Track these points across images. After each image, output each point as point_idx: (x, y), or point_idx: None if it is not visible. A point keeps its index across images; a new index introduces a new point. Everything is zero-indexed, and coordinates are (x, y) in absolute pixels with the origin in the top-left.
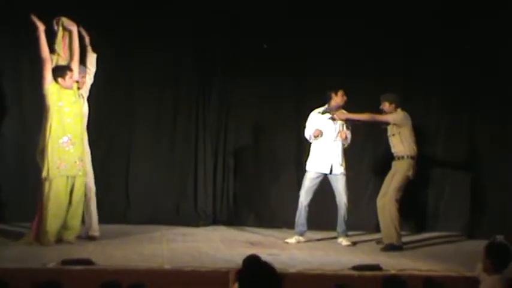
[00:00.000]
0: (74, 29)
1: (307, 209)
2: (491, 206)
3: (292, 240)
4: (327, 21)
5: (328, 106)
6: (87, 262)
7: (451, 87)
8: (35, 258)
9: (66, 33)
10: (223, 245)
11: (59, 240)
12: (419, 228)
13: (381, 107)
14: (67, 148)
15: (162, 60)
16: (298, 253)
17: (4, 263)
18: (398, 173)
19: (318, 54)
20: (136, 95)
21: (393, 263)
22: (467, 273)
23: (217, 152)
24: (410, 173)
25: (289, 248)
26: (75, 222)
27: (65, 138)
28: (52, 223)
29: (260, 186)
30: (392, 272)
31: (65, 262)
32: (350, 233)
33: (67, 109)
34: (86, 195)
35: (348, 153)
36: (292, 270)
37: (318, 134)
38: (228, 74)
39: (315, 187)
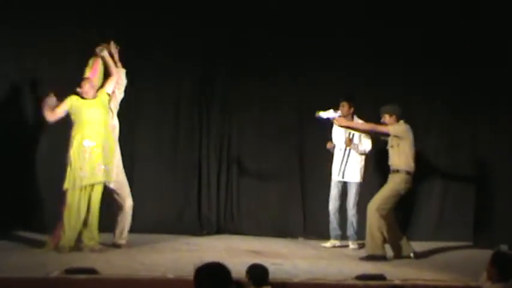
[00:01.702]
0: (106, 53)
1: (336, 215)
2: (496, 215)
3: (328, 244)
4: (330, 23)
5: (332, 110)
6: (91, 271)
7: (453, 96)
8: (38, 267)
9: (99, 58)
10: (227, 254)
11: (79, 248)
12: (424, 237)
13: (382, 119)
14: (87, 155)
15: (164, 66)
16: (302, 262)
17: (7, 271)
18: (388, 184)
19: (321, 55)
20: (137, 101)
21: (397, 273)
22: (472, 283)
23: (221, 160)
24: (401, 187)
25: (293, 258)
26: (95, 229)
27: (85, 144)
28: (69, 233)
29: (264, 194)
30: (397, 282)
31: (69, 271)
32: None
33: (87, 117)
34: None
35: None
36: (296, 279)
37: (331, 147)
38: (231, 80)
39: (338, 194)
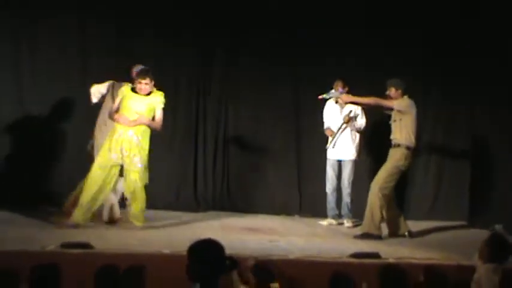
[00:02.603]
0: None
1: (334, 194)
2: (490, 195)
3: (325, 222)
4: (326, 13)
5: (333, 90)
6: (86, 246)
7: (451, 77)
8: (34, 240)
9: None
10: (222, 231)
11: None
12: (419, 217)
13: (387, 92)
14: (120, 141)
15: (162, 52)
16: (298, 240)
17: (3, 245)
18: (388, 162)
19: (317, 45)
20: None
21: (392, 251)
22: (465, 262)
23: (217, 139)
24: (401, 164)
25: (289, 235)
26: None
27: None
28: (82, 208)
29: (260, 173)
30: (391, 260)
31: (64, 245)
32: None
33: (131, 109)
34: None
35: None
36: (291, 256)
37: (331, 134)
38: (228, 63)
39: (334, 173)
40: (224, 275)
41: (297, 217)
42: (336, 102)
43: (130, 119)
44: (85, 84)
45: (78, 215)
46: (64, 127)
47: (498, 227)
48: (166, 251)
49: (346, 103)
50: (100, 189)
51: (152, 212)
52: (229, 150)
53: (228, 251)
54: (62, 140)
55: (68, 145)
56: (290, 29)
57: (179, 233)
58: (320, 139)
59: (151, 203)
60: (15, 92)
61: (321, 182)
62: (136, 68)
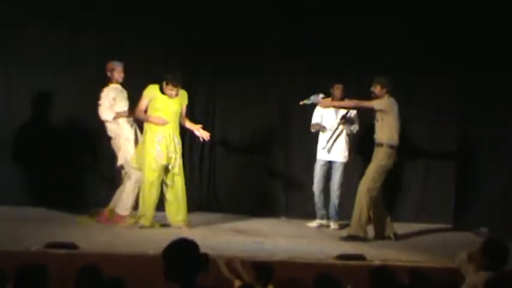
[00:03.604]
0: None
1: (322, 195)
2: (476, 197)
3: (314, 224)
4: (310, 18)
5: (314, 95)
6: (71, 246)
7: (437, 77)
8: (18, 240)
9: None
10: (209, 232)
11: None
12: (404, 218)
13: (372, 88)
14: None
15: (150, 53)
16: (283, 241)
17: None
18: (373, 162)
19: (305, 49)
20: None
21: (377, 253)
22: (451, 265)
23: (204, 143)
24: (386, 163)
25: (274, 236)
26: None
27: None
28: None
29: (246, 174)
30: (376, 262)
31: (49, 245)
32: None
33: (165, 110)
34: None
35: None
36: (276, 258)
37: (316, 128)
38: (216, 66)
39: (323, 174)
40: (203, 272)
41: (283, 218)
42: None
43: (167, 120)
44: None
45: (145, 220)
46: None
47: (483, 229)
48: (150, 252)
49: (326, 107)
50: (158, 191)
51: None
52: (215, 151)
53: (212, 252)
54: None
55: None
56: (278, 37)
57: (165, 234)
58: (307, 140)
59: (137, 203)
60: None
61: (308, 184)
62: (114, 64)
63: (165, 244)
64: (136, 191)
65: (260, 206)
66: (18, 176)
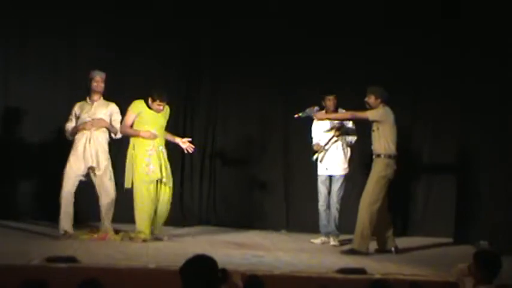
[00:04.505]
0: None
1: (327, 211)
2: (476, 211)
3: (318, 240)
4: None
5: (309, 108)
6: (72, 260)
7: (438, 89)
8: (19, 254)
9: None
10: (209, 246)
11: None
12: (404, 231)
13: (366, 99)
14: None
15: (150, 61)
16: (284, 255)
17: None
18: (372, 174)
19: (307, 51)
20: (123, 93)
21: (378, 267)
22: (451, 278)
23: (205, 152)
24: (385, 173)
25: (275, 250)
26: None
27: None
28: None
29: (247, 187)
30: (377, 275)
31: (49, 259)
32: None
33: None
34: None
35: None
36: (277, 272)
37: (318, 149)
38: (216, 78)
39: (326, 190)
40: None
41: (284, 232)
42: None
43: (156, 133)
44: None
45: (144, 236)
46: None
47: (483, 243)
48: (151, 265)
49: (321, 120)
50: (154, 204)
51: None
52: (216, 163)
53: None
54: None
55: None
56: (280, 46)
57: (165, 247)
58: (309, 154)
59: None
60: None
61: (308, 197)
62: (94, 74)
63: (166, 258)
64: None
65: (260, 219)
66: (18, 189)
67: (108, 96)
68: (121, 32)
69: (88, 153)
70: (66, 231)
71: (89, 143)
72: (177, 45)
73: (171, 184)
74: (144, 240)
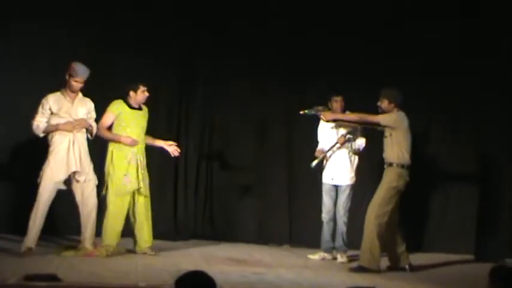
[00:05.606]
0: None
1: (331, 224)
2: (500, 226)
3: (316, 256)
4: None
5: (316, 106)
6: (52, 278)
7: (454, 96)
8: None
9: None
10: (203, 262)
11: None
12: (419, 247)
13: (379, 103)
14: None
15: (143, 68)
16: (287, 272)
17: None
18: (382, 184)
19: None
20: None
21: (391, 286)
22: None
23: (200, 161)
24: (396, 184)
25: (277, 267)
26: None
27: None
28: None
29: (246, 198)
30: None
31: (28, 278)
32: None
33: (134, 126)
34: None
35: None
36: None
37: (320, 155)
38: (211, 83)
39: (331, 200)
40: None
41: (286, 247)
42: (319, 118)
43: (137, 140)
44: None
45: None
46: None
47: (509, 261)
48: (142, 284)
49: (328, 121)
50: (124, 217)
51: (127, 240)
52: (212, 173)
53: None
54: None
55: None
56: (280, 44)
57: (156, 263)
58: (312, 159)
59: (127, 230)
60: None
61: (313, 209)
62: (77, 66)
63: (157, 275)
64: None
65: (261, 233)
66: None
67: (99, 96)
68: (119, 30)
69: (72, 158)
70: (30, 248)
71: (73, 145)
72: (175, 45)
73: (147, 193)
74: (108, 255)
